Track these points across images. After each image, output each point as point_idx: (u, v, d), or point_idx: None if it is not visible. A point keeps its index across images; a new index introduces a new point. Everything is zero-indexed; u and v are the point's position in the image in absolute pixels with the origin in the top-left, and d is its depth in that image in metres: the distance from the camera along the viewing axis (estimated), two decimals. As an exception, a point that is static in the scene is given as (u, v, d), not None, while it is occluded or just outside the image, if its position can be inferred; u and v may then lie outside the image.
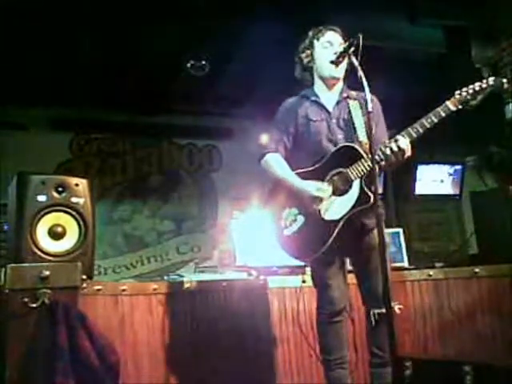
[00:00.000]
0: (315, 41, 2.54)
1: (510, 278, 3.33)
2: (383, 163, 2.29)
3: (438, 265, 3.48)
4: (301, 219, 2.42)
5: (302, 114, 2.52)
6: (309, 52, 2.55)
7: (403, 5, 3.62)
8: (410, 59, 4.15)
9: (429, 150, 5.62)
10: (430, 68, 4.12)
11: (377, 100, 2.51)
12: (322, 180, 2.40)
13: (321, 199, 2.36)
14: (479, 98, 2.20)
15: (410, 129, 2.25)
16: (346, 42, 2.39)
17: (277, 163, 2.51)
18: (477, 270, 3.33)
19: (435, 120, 2.23)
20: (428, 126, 2.23)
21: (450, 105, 2.23)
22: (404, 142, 2.23)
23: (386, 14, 3.72)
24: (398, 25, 3.85)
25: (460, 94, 2.23)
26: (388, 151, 2.23)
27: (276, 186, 2.53)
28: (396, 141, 2.23)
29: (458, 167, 5.96)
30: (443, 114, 2.23)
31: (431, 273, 3.33)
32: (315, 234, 2.36)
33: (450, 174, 5.95)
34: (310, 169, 2.44)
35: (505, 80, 2.18)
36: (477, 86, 2.24)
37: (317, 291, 2.53)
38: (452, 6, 3.57)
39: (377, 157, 2.23)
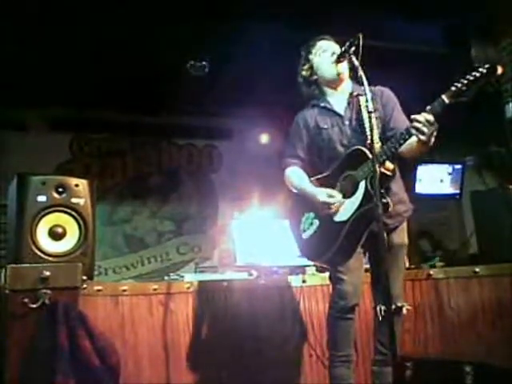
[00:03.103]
0: (309, 55, 2.60)
1: (510, 278, 3.33)
2: (405, 152, 2.29)
3: (438, 264, 3.48)
4: (316, 222, 2.51)
5: (313, 124, 2.57)
6: (307, 67, 2.60)
7: (403, 4, 3.62)
8: (409, 59, 4.15)
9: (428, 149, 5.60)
10: (429, 68, 4.11)
11: (389, 92, 2.54)
12: (335, 184, 2.46)
13: (332, 204, 2.40)
14: (474, 88, 2.13)
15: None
16: (340, 44, 2.42)
17: (294, 175, 2.61)
18: (477, 269, 3.33)
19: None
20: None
21: (446, 98, 2.13)
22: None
23: (386, 13, 3.71)
24: (397, 24, 3.85)
25: (455, 86, 2.18)
26: (417, 124, 2.12)
27: (296, 195, 2.63)
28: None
29: (458, 167, 5.95)
30: (439, 109, 2.13)
31: (431, 272, 3.33)
32: (326, 236, 2.45)
33: (450, 174, 5.94)
34: (325, 175, 2.52)
35: (499, 66, 2.12)
36: (471, 76, 2.11)
37: (331, 287, 2.55)
38: (452, 5, 3.57)
39: (401, 137, 2.21)
